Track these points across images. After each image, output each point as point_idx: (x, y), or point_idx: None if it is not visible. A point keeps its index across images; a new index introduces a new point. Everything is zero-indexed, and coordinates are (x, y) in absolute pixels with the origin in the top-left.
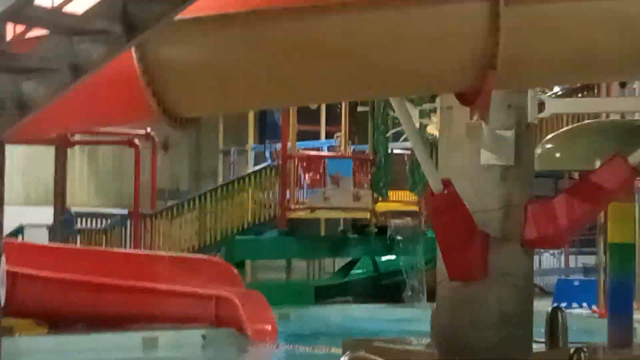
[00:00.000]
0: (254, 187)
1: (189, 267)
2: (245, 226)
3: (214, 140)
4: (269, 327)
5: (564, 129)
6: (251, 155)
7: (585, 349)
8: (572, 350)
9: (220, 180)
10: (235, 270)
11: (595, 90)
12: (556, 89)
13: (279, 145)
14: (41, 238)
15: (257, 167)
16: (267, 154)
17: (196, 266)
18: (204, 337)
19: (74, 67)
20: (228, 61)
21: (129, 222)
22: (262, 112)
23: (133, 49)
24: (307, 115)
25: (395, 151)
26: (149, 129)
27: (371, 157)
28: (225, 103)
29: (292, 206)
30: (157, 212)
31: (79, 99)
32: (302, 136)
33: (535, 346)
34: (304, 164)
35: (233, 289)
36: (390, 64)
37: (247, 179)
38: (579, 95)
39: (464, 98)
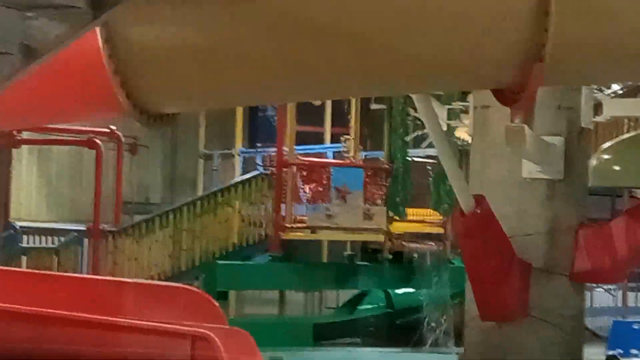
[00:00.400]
0: (242, 200)
1: (159, 297)
2: (230, 249)
3: (194, 142)
4: None
5: (625, 136)
6: (239, 161)
7: None
8: None
9: (200, 191)
10: (217, 303)
11: None
12: (615, 87)
13: (273, 150)
14: None
15: (246, 176)
16: (259, 160)
17: (168, 297)
18: None
19: (26, 48)
20: (211, 44)
21: (86, 240)
22: (253, 109)
23: (98, 29)
24: (309, 114)
25: (416, 159)
26: (113, 127)
27: (387, 167)
28: (208, 97)
29: (288, 225)
30: (122, 228)
31: (31, 88)
32: (302, 139)
33: None
34: (304, 173)
35: (213, 326)
36: (412, 51)
37: (233, 190)
38: None
39: (504, 96)
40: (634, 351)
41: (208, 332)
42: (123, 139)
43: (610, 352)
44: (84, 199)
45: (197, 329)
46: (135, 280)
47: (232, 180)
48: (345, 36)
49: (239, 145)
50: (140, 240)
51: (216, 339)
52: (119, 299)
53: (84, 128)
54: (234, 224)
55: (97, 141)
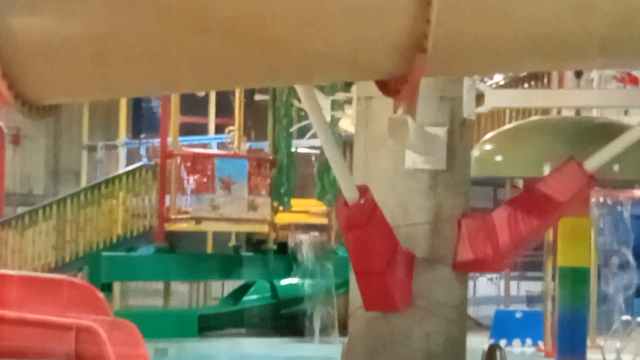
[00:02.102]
0: (126, 192)
1: (42, 289)
2: (114, 240)
3: (77, 133)
4: None
5: (507, 126)
6: (123, 152)
7: None
8: None
9: (83, 182)
10: (101, 295)
11: (545, 81)
12: (498, 78)
13: (157, 141)
14: None
15: (130, 167)
16: (143, 151)
17: (52, 289)
18: None
19: None
20: (98, 33)
21: None
22: (136, 99)
23: None
24: (193, 105)
25: (300, 150)
26: None
27: (271, 157)
28: (95, 88)
29: (173, 216)
30: (4, 220)
31: None
32: (186, 130)
33: None
34: (188, 163)
35: (97, 317)
36: (296, 43)
37: (117, 181)
38: (526, 86)
39: (387, 87)
40: (516, 340)
41: (92, 324)
42: (5, 130)
43: (493, 341)
44: None
45: (81, 321)
46: (18, 272)
47: (116, 171)
48: (229, 27)
49: (122, 136)
50: (24, 232)
51: (100, 330)
52: (2, 292)
53: None
54: (118, 216)
55: None
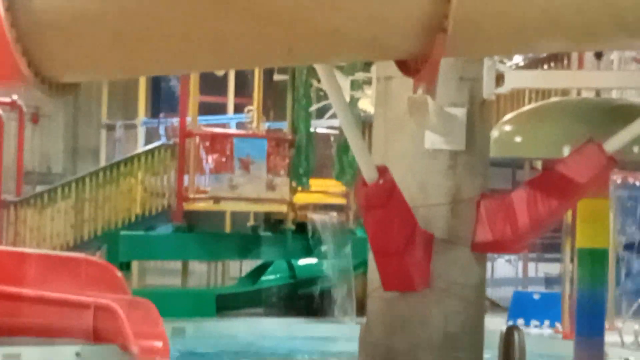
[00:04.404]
0: (145, 171)
1: (61, 268)
2: (133, 219)
3: (96, 112)
4: (159, 344)
5: (526, 107)
6: (141, 132)
7: None
8: None
9: (102, 161)
10: (119, 273)
11: (565, 62)
12: (518, 59)
13: (176, 120)
14: None
15: (149, 146)
16: (162, 130)
17: (70, 267)
18: (78, 354)
19: None
20: (118, 10)
21: None
22: (156, 79)
23: None
24: (212, 84)
25: (319, 130)
26: (15, 96)
27: (290, 137)
28: (114, 66)
29: (191, 195)
30: (24, 199)
31: None
32: (205, 109)
33: None
34: (207, 143)
35: (116, 296)
36: (315, 21)
37: (135, 161)
38: (546, 67)
39: (407, 67)
40: (534, 322)
41: (110, 302)
42: (25, 109)
43: (511, 322)
44: None
45: (99, 299)
46: (37, 251)
47: (134, 150)
48: (248, 4)
49: (141, 115)
50: (43, 210)
51: (118, 308)
52: (21, 270)
53: None
54: (136, 195)
55: None
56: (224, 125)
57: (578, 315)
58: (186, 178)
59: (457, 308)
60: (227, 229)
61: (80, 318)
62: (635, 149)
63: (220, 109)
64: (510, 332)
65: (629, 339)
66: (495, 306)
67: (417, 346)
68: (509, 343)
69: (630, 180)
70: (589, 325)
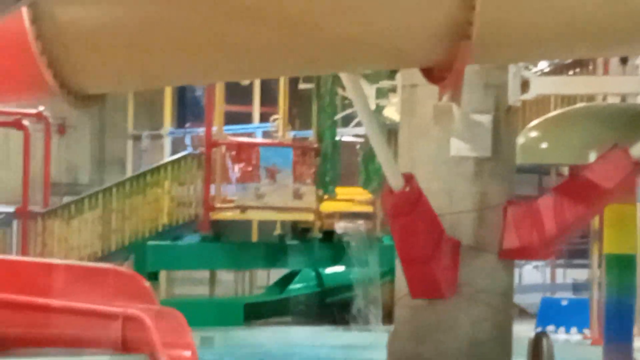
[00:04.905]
0: (171, 181)
1: (89, 278)
2: (160, 229)
3: (122, 123)
4: (188, 354)
5: (552, 113)
6: (168, 142)
7: None
8: None
9: (129, 172)
10: (147, 283)
11: (591, 67)
12: (543, 65)
13: (202, 130)
14: None
15: (175, 156)
16: (188, 140)
17: (98, 278)
18: None
19: None
20: (141, 22)
21: (15, 222)
22: (181, 89)
23: (25, 9)
24: (237, 94)
25: (345, 139)
26: (41, 108)
27: (316, 146)
28: (138, 77)
29: (218, 205)
30: (51, 210)
31: None
32: (230, 119)
33: None
34: (233, 152)
35: (144, 306)
36: (337, 29)
37: (162, 171)
38: (571, 73)
39: (432, 74)
40: (562, 328)
41: (138, 312)
42: (51, 120)
43: (539, 329)
44: (12, 181)
45: (127, 310)
46: (65, 261)
47: (161, 160)
48: (273, 15)
49: (167, 125)
50: (70, 221)
51: (147, 319)
52: (49, 281)
53: (11, 110)
54: (163, 205)
55: (25, 122)
56: (249, 135)
57: (606, 321)
58: (213, 187)
59: (485, 315)
60: (254, 238)
61: (109, 328)
62: None
63: (246, 118)
64: (538, 338)
65: None
66: (524, 313)
67: (445, 353)
68: (537, 349)
69: None
70: (618, 331)
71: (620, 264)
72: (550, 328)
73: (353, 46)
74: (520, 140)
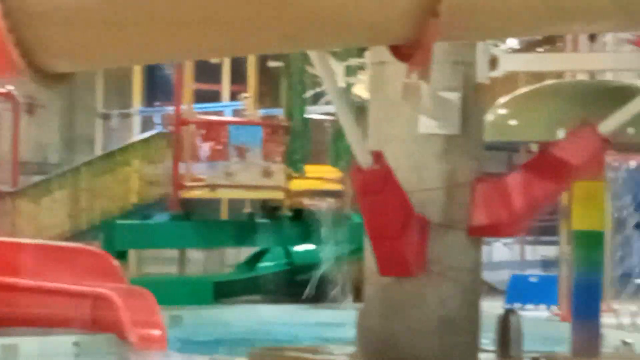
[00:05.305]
0: (141, 160)
1: (58, 257)
2: (130, 208)
3: (91, 101)
4: (157, 333)
5: (521, 91)
6: (137, 120)
7: (543, 359)
8: None
9: (98, 151)
10: (116, 262)
11: (559, 44)
12: (512, 42)
13: (171, 109)
14: None
15: (145, 135)
16: (157, 119)
17: (68, 257)
18: (76, 344)
19: None
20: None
21: None
22: (151, 67)
23: None
24: (207, 72)
25: (314, 117)
26: (9, 87)
27: (285, 124)
28: (106, 55)
29: (187, 183)
30: (20, 189)
31: None
32: (200, 97)
33: (483, 356)
34: (203, 131)
35: (113, 285)
36: (307, 6)
37: (131, 149)
38: (540, 50)
39: (400, 52)
40: (531, 305)
41: (108, 291)
42: (20, 100)
43: (508, 305)
44: None
45: (97, 289)
46: (34, 241)
47: (130, 139)
48: None
49: (137, 104)
50: (39, 200)
51: (116, 297)
52: (19, 260)
53: None
54: (133, 183)
55: None
56: (219, 113)
57: (574, 298)
58: (182, 166)
59: (454, 292)
60: (224, 216)
61: (78, 308)
62: (630, 131)
63: (216, 97)
64: (507, 315)
65: (625, 320)
66: (493, 289)
67: (414, 330)
68: (505, 326)
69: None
70: (586, 308)
71: (587, 241)
72: (519, 305)
73: (323, 23)
74: (489, 117)
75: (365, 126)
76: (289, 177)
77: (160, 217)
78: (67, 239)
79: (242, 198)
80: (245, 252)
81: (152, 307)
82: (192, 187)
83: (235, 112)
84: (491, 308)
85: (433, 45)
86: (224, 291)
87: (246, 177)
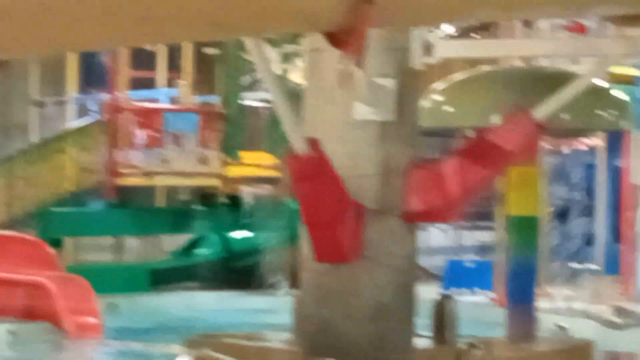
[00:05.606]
0: (76, 147)
1: None
2: (65, 195)
3: (26, 89)
4: (93, 321)
5: (456, 77)
6: (72, 108)
7: (478, 345)
8: (463, 346)
9: (33, 138)
10: (52, 250)
11: (495, 31)
12: (447, 28)
13: (106, 96)
14: None
15: (80, 122)
16: (92, 106)
17: (2, 245)
18: (11, 332)
19: None
20: None
21: None
22: (86, 54)
23: None
24: (142, 59)
25: (250, 104)
26: None
27: (221, 111)
28: (38, 42)
29: (123, 171)
30: None
31: None
32: (135, 84)
33: (418, 342)
34: (138, 118)
35: (49, 273)
36: None
37: (66, 137)
38: (475, 36)
39: (334, 38)
40: (467, 290)
41: (43, 279)
42: None
43: (444, 291)
44: None
45: (32, 277)
46: None
47: (65, 126)
48: None
49: (72, 91)
50: None
51: (52, 286)
52: None
53: None
54: (68, 171)
55: None
56: (155, 100)
57: (509, 283)
58: (118, 153)
59: (389, 278)
60: (160, 203)
61: (13, 296)
62: (564, 116)
63: (151, 84)
64: (442, 300)
65: (560, 304)
66: (430, 275)
67: (350, 317)
68: (441, 311)
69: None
70: (521, 293)
71: (522, 226)
72: (455, 290)
73: (257, 10)
74: (425, 103)
75: (301, 113)
76: (225, 164)
77: (96, 205)
78: (1, 227)
79: (178, 185)
80: (181, 240)
81: (88, 294)
82: (127, 175)
83: (171, 99)
84: (427, 293)
85: (367, 31)
86: (161, 278)
87: (182, 164)
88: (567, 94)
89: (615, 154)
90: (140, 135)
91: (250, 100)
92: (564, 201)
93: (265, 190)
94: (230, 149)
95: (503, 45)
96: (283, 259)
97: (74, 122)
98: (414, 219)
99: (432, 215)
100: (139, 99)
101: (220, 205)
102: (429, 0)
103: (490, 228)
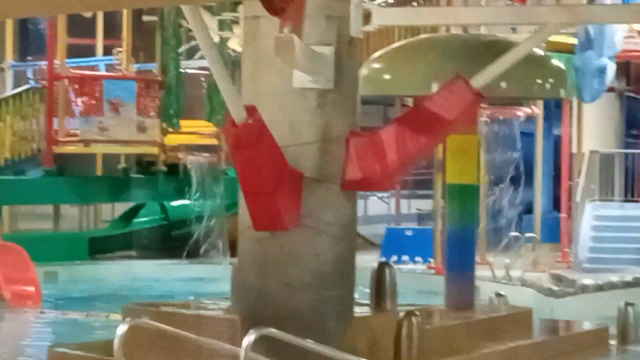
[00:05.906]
0: (13, 115)
1: None
2: (2, 163)
3: None
4: (31, 289)
5: (395, 45)
6: (9, 75)
7: (417, 313)
8: (401, 314)
9: None
10: None
11: None
12: None
13: (44, 63)
14: None
15: (17, 90)
16: (30, 74)
17: None
18: None
19: None
20: None
21: None
22: (23, 21)
23: None
24: (80, 26)
25: (189, 71)
26: None
27: (159, 79)
28: None
29: (61, 139)
30: None
31: None
32: (73, 52)
33: (357, 309)
34: (76, 86)
35: None
36: None
37: (3, 104)
38: (414, 4)
39: (273, 6)
40: (406, 258)
41: None
42: None
43: (383, 259)
44: None
45: None
46: None
47: (2, 94)
48: None
49: (9, 58)
50: None
51: None
52: None
53: None
54: (5, 139)
55: None
56: (93, 68)
57: (448, 251)
58: (56, 121)
59: (328, 246)
60: (99, 171)
61: None
62: (503, 85)
63: (89, 51)
64: (381, 268)
65: (499, 273)
66: (369, 243)
67: (289, 285)
68: (380, 279)
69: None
70: (459, 261)
71: (461, 194)
72: (395, 258)
73: None
74: (364, 71)
75: (240, 81)
76: (164, 132)
77: (34, 173)
78: None
79: (117, 153)
80: (120, 208)
81: (25, 263)
82: (65, 143)
83: (109, 67)
84: (367, 262)
85: None
86: (99, 247)
87: (120, 132)
88: (505, 62)
89: (554, 122)
90: (78, 103)
91: (189, 68)
92: (502, 170)
93: (204, 158)
94: (169, 116)
95: (442, 13)
96: (222, 227)
97: (11, 90)
98: (353, 187)
99: (370, 183)
100: (77, 67)
101: (159, 174)
102: None
103: (429, 196)
